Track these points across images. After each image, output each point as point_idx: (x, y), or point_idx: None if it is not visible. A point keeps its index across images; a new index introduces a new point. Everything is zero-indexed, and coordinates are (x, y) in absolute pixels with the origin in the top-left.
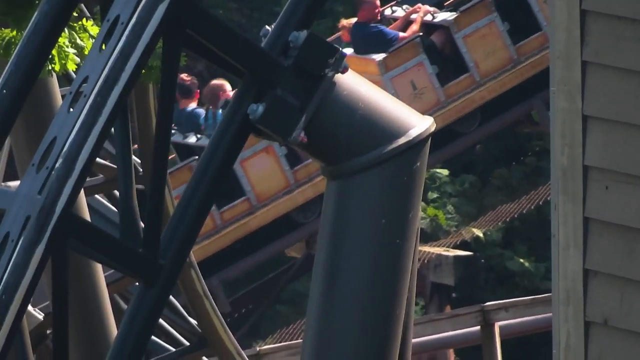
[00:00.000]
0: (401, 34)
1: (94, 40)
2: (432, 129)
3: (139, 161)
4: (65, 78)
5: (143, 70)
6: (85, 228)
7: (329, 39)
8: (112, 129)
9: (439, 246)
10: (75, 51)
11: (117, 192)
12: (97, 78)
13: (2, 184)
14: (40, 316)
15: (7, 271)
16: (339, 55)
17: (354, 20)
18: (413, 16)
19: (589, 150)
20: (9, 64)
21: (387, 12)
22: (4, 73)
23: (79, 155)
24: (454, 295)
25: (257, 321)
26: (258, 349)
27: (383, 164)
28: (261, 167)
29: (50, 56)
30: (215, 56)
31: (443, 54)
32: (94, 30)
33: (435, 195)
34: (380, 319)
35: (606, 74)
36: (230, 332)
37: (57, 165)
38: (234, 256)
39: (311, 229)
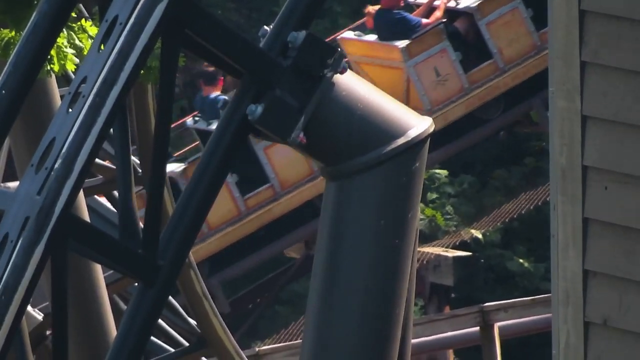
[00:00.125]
0: (424, 21)
1: (92, 40)
2: (431, 129)
3: (138, 162)
4: (64, 78)
5: (142, 71)
6: (85, 229)
7: (327, 40)
8: (111, 130)
9: (438, 247)
10: (74, 51)
11: (116, 193)
12: (95, 78)
13: (2, 184)
14: (39, 317)
15: (7, 272)
16: (338, 56)
17: (377, 7)
18: (436, 2)
19: (588, 151)
20: (7, 64)
21: None
22: (2, 73)
23: (78, 156)
24: (453, 295)
25: (256, 321)
26: (257, 349)
27: (382, 165)
28: (285, 154)
29: (49, 56)
30: (213, 56)
31: (466, 41)
32: (93, 30)
33: (434, 196)
34: (379, 320)
35: (605, 74)
36: (229, 333)
37: (56, 165)
38: (233, 256)
39: (310, 229)
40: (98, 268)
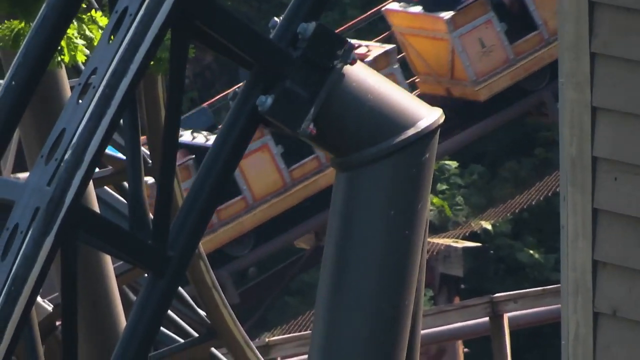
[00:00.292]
0: None
1: (102, 31)
2: (441, 120)
3: (147, 152)
4: (74, 69)
5: (152, 62)
6: (94, 219)
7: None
8: (121, 121)
9: (448, 237)
10: (84, 42)
11: (126, 184)
12: (105, 69)
13: (11, 175)
14: (49, 307)
15: (17, 263)
16: (348, 47)
17: None
18: None
19: (597, 142)
20: (17, 55)
21: None
22: (12, 64)
23: (88, 147)
24: (462, 286)
25: (265, 312)
26: (267, 340)
27: (392, 156)
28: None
29: (59, 47)
30: (223, 48)
31: (511, 12)
32: (103, 21)
33: (444, 187)
34: (389, 310)
35: (615, 66)
36: (239, 324)
37: (66, 156)
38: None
39: (320, 220)
40: (108, 259)
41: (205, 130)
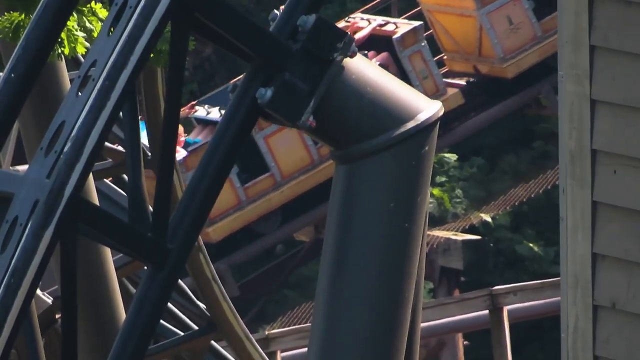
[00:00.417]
0: None
1: (102, 23)
2: (441, 113)
3: (147, 145)
4: (73, 62)
5: (151, 54)
6: (94, 212)
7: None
8: (121, 113)
9: (447, 230)
10: (84, 35)
11: (125, 176)
12: (105, 62)
13: (11, 167)
14: (49, 300)
15: (16, 255)
16: (348, 40)
17: None
18: None
19: (597, 134)
20: (17, 47)
21: None
22: (12, 57)
23: (88, 139)
24: (462, 279)
25: (265, 305)
26: (267, 333)
27: (392, 148)
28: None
29: (59, 40)
30: (223, 40)
31: None
32: (103, 13)
33: (443, 179)
34: (388, 303)
35: (614, 59)
36: (238, 316)
37: (65, 149)
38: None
39: (320, 213)
40: (107, 251)
41: None
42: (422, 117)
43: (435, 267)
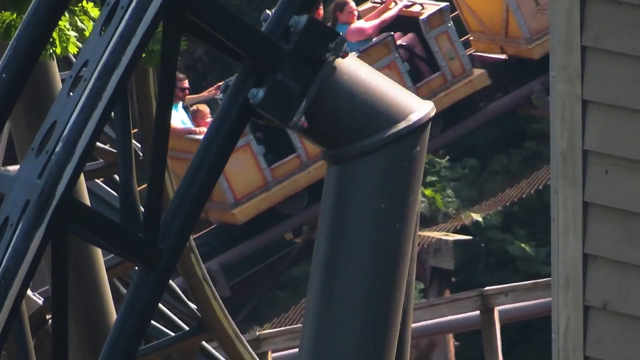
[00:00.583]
0: None
1: (94, 23)
2: (432, 113)
3: (139, 145)
4: (65, 62)
5: (143, 54)
6: (85, 212)
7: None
8: (112, 113)
9: (438, 230)
10: (76, 34)
11: (117, 177)
12: (97, 62)
13: (2, 168)
14: (39, 301)
15: (7, 256)
16: (340, 40)
17: None
18: None
19: (588, 135)
20: (8, 47)
21: None
22: (3, 57)
23: (79, 140)
24: (453, 279)
25: (256, 306)
26: (258, 333)
27: (383, 149)
28: None
29: (51, 39)
30: (215, 40)
31: None
32: (95, 12)
33: (433, 179)
34: (380, 303)
35: (606, 59)
36: (229, 317)
37: (57, 149)
38: (234, 240)
39: (311, 213)
40: (98, 252)
41: None
42: (413, 117)
43: (426, 268)
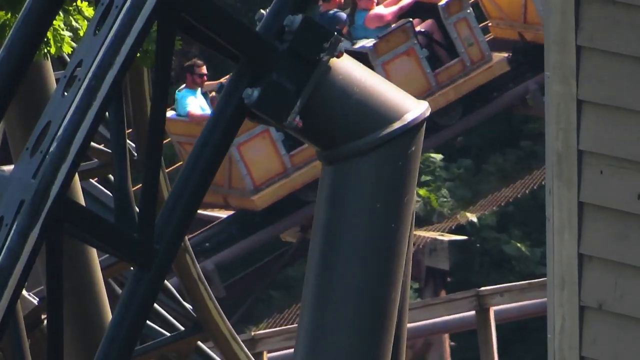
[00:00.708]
0: None
1: (89, 22)
2: (427, 113)
3: (133, 145)
4: (59, 61)
5: (138, 54)
6: (80, 212)
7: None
8: (107, 113)
9: (434, 230)
10: (70, 34)
11: (111, 177)
12: (91, 62)
13: None
14: (35, 301)
15: (1, 256)
16: (334, 40)
17: None
18: None
19: (583, 135)
20: (2, 47)
21: None
22: None
23: (74, 139)
24: (449, 279)
25: (251, 306)
26: (253, 334)
27: (378, 148)
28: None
29: (45, 39)
30: (210, 40)
31: None
32: (89, 12)
33: (428, 178)
34: (375, 303)
35: (601, 59)
36: (225, 317)
37: (51, 149)
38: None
39: (306, 213)
40: (93, 252)
41: None
42: (409, 117)
43: (421, 268)
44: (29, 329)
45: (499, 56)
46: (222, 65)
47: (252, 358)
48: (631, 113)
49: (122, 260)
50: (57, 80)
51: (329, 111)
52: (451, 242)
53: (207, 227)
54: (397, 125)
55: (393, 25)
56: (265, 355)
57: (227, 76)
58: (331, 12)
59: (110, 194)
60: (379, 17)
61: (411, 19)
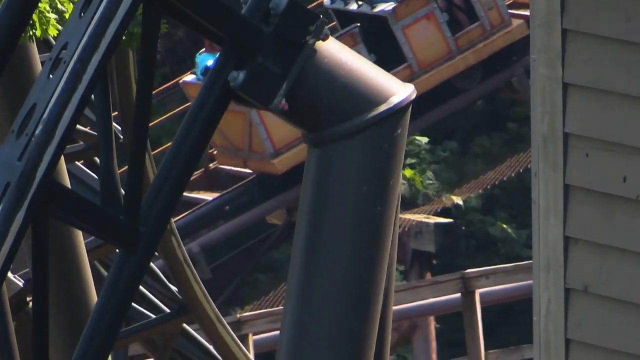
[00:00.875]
0: None
1: (74, 5)
2: (413, 96)
3: (119, 128)
4: (44, 44)
5: (123, 37)
6: (66, 195)
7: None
8: (92, 96)
9: (419, 213)
10: (56, 16)
11: (97, 159)
12: (77, 44)
13: None
14: (20, 283)
15: None
16: (320, 23)
17: None
18: None
19: (569, 118)
20: None
21: None
22: None
23: (59, 122)
24: (434, 262)
25: (237, 288)
26: (239, 316)
27: (364, 131)
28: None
29: (31, 21)
30: (195, 23)
31: None
32: None
33: (413, 161)
34: (361, 286)
35: (586, 42)
36: (210, 299)
37: (37, 131)
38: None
39: (292, 196)
40: (79, 234)
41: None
42: (394, 100)
43: (407, 250)
44: (14, 311)
45: (519, 20)
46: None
47: (238, 340)
48: (616, 96)
49: (107, 243)
50: (43, 62)
51: (315, 94)
52: (437, 224)
53: (193, 209)
54: (383, 108)
55: None
56: (251, 338)
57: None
58: None
59: (96, 177)
60: None
61: None
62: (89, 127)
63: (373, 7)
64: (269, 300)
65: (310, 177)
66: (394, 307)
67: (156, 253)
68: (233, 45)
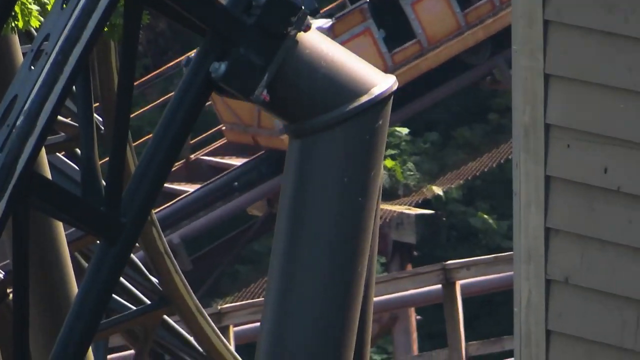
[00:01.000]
0: None
1: None
2: (395, 87)
3: (100, 119)
4: (26, 35)
5: (105, 28)
6: (47, 186)
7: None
8: (74, 87)
9: (400, 204)
10: (38, 8)
11: (78, 150)
12: (58, 36)
13: None
14: (0, 274)
15: None
16: (302, 14)
17: None
18: None
19: (550, 109)
20: None
21: None
22: None
23: (41, 113)
24: (415, 253)
25: (217, 280)
26: (219, 307)
27: (345, 122)
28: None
29: (13, 13)
30: (177, 14)
31: None
32: None
33: (394, 152)
34: (342, 277)
35: (568, 33)
36: (191, 291)
37: (18, 122)
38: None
39: (272, 186)
40: (60, 226)
41: None
42: (376, 91)
43: (388, 242)
44: None
45: None
46: (188, 40)
47: (218, 332)
48: (598, 87)
49: (88, 234)
50: (24, 54)
51: (296, 85)
52: (418, 215)
53: (174, 200)
54: (364, 99)
55: None
56: (232, 329)
57: (195, 50)
58: None
59: (77, 168)
60: None
61: None
62: (70, 118)
63: None
64: (249, 291)
65: (292, 168)
66: (375, 299)
67: (137, 244)
68: (214, 36)
